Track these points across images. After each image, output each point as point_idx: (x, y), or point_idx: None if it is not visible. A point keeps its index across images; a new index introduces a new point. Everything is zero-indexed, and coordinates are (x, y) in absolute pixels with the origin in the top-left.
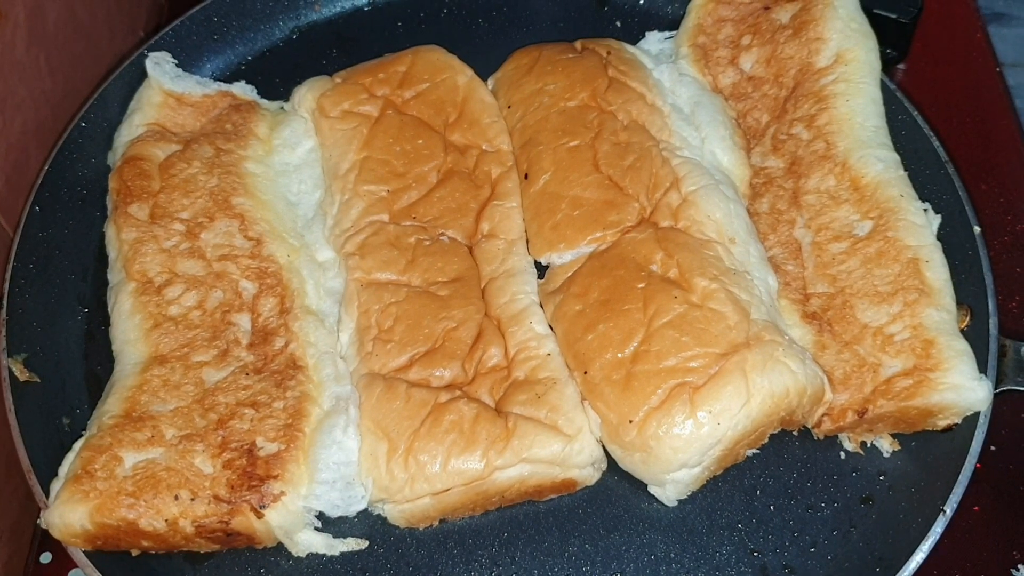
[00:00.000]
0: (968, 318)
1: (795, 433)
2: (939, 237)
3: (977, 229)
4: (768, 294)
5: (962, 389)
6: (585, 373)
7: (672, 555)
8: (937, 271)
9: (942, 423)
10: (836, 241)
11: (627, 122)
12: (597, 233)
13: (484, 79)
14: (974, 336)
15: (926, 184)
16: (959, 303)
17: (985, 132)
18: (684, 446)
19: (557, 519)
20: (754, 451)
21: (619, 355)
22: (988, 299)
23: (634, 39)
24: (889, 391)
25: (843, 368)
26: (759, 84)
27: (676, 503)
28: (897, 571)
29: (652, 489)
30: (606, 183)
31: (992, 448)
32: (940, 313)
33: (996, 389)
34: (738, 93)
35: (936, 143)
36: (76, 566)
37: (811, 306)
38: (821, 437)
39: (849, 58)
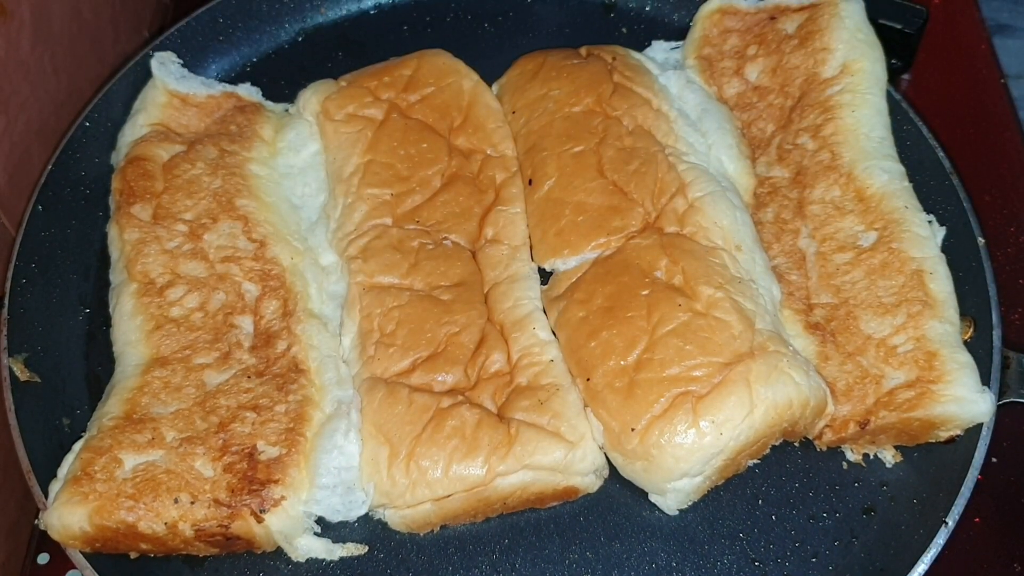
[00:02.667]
0: (972, 330)
1: (797, 443)
2: (943, 249)
3: (981, 240)
4: (772, 304)
5: (965, 401)
6: (588, 380)
7: (673, 564)
8: (941, 283)
9: (944, 435)
10: (840, 252)
11: (632, 127)
12: (601, 239)
13: (489, 84)
14: (977, 348)
15: (931, 195)
16: (963, 315)
17: (989, 143)
18: (686, 455)
19: (558, 526)
20: (755, 461)
21: (622, 362)
22: (992, 311)
23: (640, 46)
24: (891, 403)
25: (846, 379)
26: (764, 94)
27: (677, 512)
28: None
29: (653, 498)
30: (610, 188)
31: (994, 460)
32: (943, 325)
33: (999, 401)
34: (743, 103)
35: (941, 154)
36: (74, 567)
37: (814, 316)
38: (823, 449)
39: (855, 69)
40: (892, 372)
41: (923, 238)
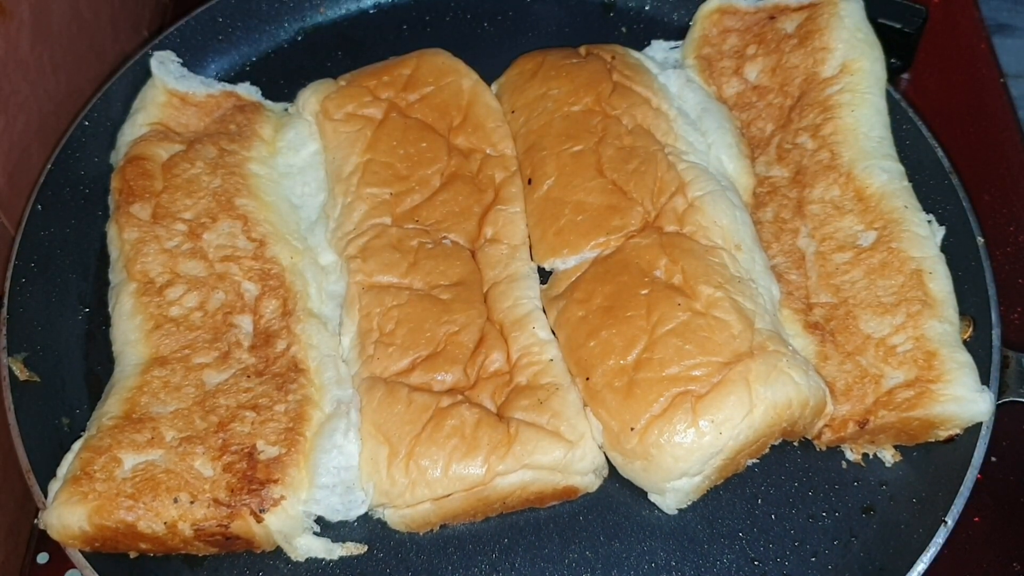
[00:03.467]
0: (971, 329)
1: (796, 443)
2: (943, 248)
3: (980, 240)
4: (772, 303)
5: (964, 401)
6: (587, 379)
7: (672, 563)
8: (940, 283)
9: (944, 434)
10: (840, 251)
11: (632, 126)
12: (600, 238)
13: (489, 83)
14: (977, 347)
15: (930, 195)
16: (962, 314)
17: (989, 143)
18: (685, 455)
19: (558, 526)
20: (755, 461)
21: (621, 362)
22: (991, 310)
23: (640, 45)
24: (891, 402)
25: (845, 379)
26: (764, 93)
27: (676, 511)
28: None
29: (652, 497)
30: (610, 188)
31: (993, 459)
32: (943, 325)
33: (998, 400)
34: (742, 103)
35: (940, 153)
36: (73, 567)
37: (814, 316)
38: (823, 448)
39: (855, 68)
40: (891, 372)
41: (922, 238)
